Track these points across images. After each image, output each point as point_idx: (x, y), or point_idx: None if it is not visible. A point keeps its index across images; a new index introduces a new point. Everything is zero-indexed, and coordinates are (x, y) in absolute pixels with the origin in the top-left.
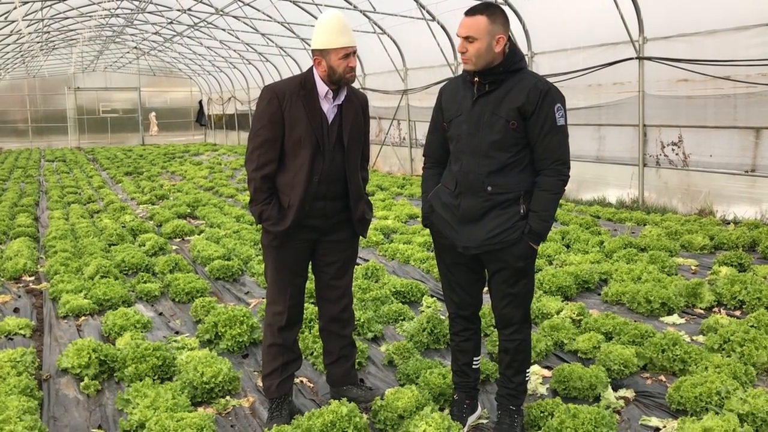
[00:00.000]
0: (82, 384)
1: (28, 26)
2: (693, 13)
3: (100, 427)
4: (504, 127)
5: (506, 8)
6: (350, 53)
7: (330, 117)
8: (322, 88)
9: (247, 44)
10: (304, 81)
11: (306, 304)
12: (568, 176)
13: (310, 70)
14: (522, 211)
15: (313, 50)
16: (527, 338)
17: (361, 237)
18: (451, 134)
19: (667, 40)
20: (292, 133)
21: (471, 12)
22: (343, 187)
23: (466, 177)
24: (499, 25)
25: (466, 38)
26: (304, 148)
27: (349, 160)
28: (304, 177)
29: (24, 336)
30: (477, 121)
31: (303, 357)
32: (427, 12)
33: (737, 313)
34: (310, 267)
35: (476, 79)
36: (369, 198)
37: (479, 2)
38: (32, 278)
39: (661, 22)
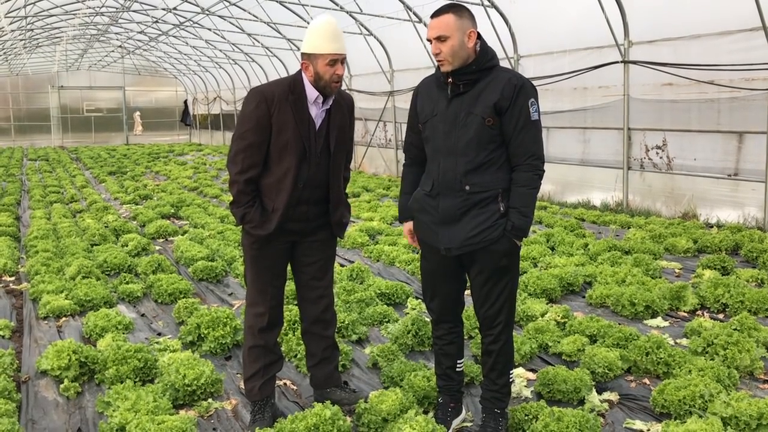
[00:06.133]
0: (61, 386)
1: (11, 24)
2: (678, 17)
3: (79, 430)
4: (480, 125)
5: (492, 11)
6: (338, 60)
7: (318, 122)
8: (311, 92)
9: (233, 44)
10: (293, 85)
11: (291, 306)
12: (543, 170)
13: (299, 73)
14: (501, 209)
15: (302, 53)
16: (510, 340)
17: (344, 237)
18: (427, 135)
19: (652, 44)
20: (278, 138)
21: (437, 13)
22: (325, 191)
23: (444, 177)
24: (467, 20)
25: (438, 38)
26: (290, 153)
27: (333, 166)
28: (290, 182)
29: (3, 337)
30: (453, 121)
31: (286, 359)
32: (414, 14)
33: (720, 316)
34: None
35: (450, 79)
36: (349, 200)
37: (444, 4)
38: (12, 278)
39: (646, 26)
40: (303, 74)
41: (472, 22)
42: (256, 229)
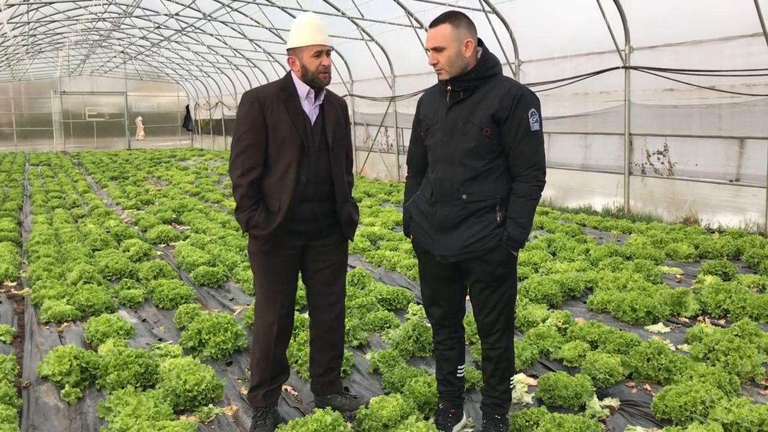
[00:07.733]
0: (62, 391)
1: (14, 29)
2: (678, 23)
3: None
4: (478, 134)
5: (494, 17)
6: (322, 52)
7: (312, 117)
8: (302, 88)
9: (234, 50)
10: (284, 84)
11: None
12: (544, 181)
13: (289, 73)
14: (498, 218)
15: (288, 50)
16: (510, 346)
17: (353, 240)
18: (429, 143)
19: (653, 50)
20: (276, 136)
21: (434, 23)
22: (330, 188)
23: (441, 185)
24: (464, 29)
25: (435, 49)
26: (289, 149)
27: (334, 160)
28: (293, 178)
29: (4, 342)
30: (451, 129)
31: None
32: (415, 19)
33: (722, 321)
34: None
35: (449, 87)
36: (355, 202)
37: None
38: (14, 283)
39: (647, 31)
40: (293, 73)
41: (469, 31)
42: (261, 231)
